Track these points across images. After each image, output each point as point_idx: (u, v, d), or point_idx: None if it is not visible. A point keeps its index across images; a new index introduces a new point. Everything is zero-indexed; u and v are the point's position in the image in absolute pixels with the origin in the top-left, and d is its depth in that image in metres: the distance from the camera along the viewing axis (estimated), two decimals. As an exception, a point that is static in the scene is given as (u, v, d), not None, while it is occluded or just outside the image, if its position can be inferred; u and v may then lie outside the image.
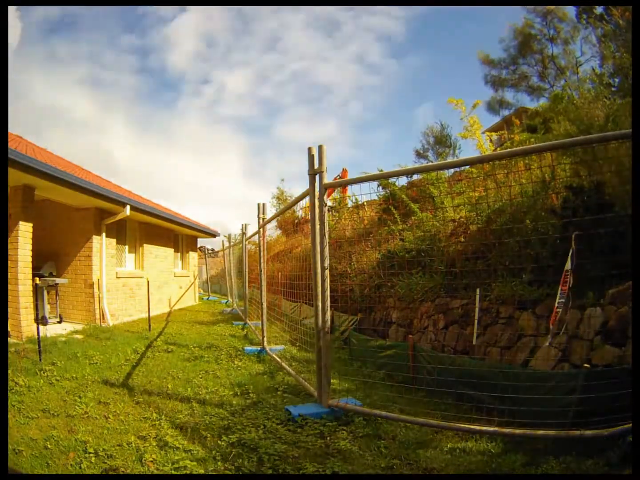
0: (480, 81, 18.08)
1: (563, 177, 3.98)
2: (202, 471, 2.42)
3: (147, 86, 65.34)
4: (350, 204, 11.15)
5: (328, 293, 3.31)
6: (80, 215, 7.59)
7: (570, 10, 14.93)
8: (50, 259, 7.42)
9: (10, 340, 5.27)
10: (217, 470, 2.43)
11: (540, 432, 2.46)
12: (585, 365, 2.90)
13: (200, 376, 4.49)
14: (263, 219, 6.21)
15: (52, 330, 6.36)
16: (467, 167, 6.02)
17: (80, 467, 2.40)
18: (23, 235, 5.77)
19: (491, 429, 2.66)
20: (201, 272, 19.25)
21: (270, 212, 8.06)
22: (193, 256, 14.06)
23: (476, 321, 4.22)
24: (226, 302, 13.68)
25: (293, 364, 4.63)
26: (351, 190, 12.61)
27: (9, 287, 5.27)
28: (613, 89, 12.34)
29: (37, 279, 5.46)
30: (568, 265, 2.80)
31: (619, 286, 3.14)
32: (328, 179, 3.43)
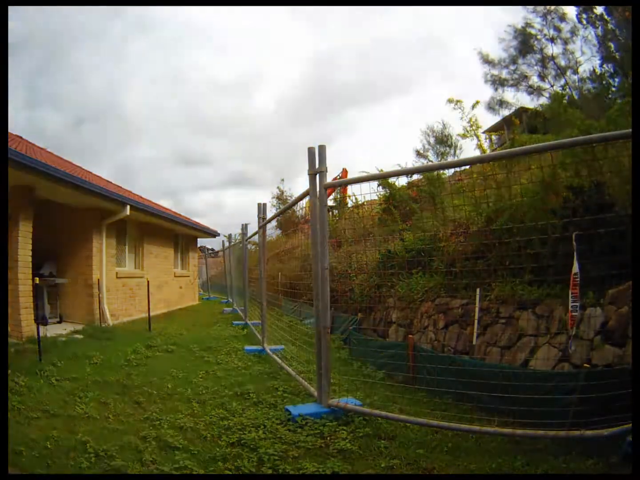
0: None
1: (563, 177, 3.98)
2: (202, 471, 2.43)
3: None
4: (350, 204, 11.16)
5: (328, 293, 3.30)
6: (80, 215, 7.59)
7: (570, 10, 14.93)
8: (50, 259, 7.41)
9: (10, 340, 5.26)
10: (217, 470, 2.43)
11: (540, 432, 2.46)
12: (585, 365, 2.90)
13: (200, 376, 4.49)
14: (263, 218, 6.21)
15: (52, 330, 6.35)
16: (467, 167, 6.01)
17: (80, 467, 2.40)
18: (23, 235, 5.77)
19: (491, 429, 2.66)
20: (201, 272, 19.26)
21: (271, 212, 8.04)
22: (193, 256, 14.06)
23: (476, 321, 4.22)
24: (226, 302, 13.68)
25: (293, 364, 4.62)
26: (351, 190, 12.60)
27: (9, 287, 5.26)
28: (613, 88, 12.35)
29: (37, 279, 5.46)
30: (576, 268, 2.80)
31: (619, 286, 3.14)
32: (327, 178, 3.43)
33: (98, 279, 7.46)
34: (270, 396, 3.75)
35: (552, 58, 15.69)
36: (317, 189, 3.37)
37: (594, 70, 14.07)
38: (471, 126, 6.88)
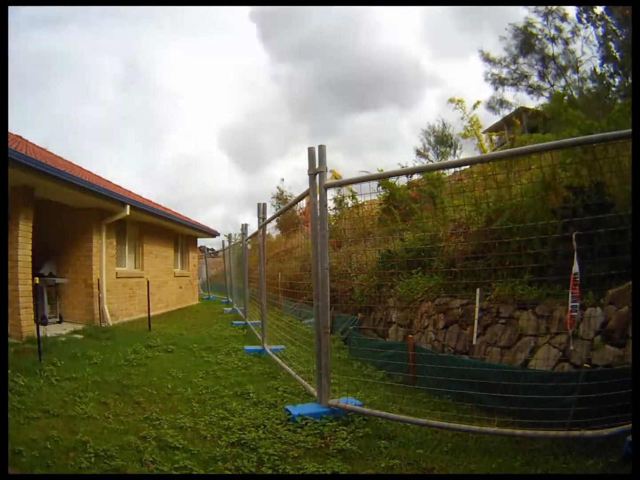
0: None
1: (563, 177, 3.98)
2: (202, 471, 2.43)
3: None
4: (350, 203, 11.16)
5: (328, 293, 3.30)
6: (80, 215, 7.59)
7: (571, 10, 14.92)
8: (50, 259, 7.41)
9: (10, 340, 5.26)
10: (217, 470, 2.43)
11: (540, 432, 2.46)
12: (585, 365, 2.90)
13: (200, 376, 4.49)
14: (263, 218, 6.21)
15: (52, 330, 6.35)
16: (468, 167, 6.02)
17: (80, 467, 2.40)
18: (23, 235, 5.77)
19: (491, 429, 2.66)
20: (201, 272, 19.26)
21: (270, 212, 8.06)
22: (193, 256, 14.06)
23: (476, 321, 4.22)
24: (226, 302, 13.68)
25: (293, 363, 4.62)
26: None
27: (9, 287, 5.26)
28: (613, 88, 12.35)
29: (37, 278, 5.46)
30: (576, 268, 2.80)
31: (619, 286, 3.14)
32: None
33: (98, 279, 7.46)
34: (270, 396, 3.75)
35: (553, 57, 15.68)
36: (317, 189, 3.37)
37: (594, 70, 14.07)
38: (472, 126, 6.88)
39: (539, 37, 15.91)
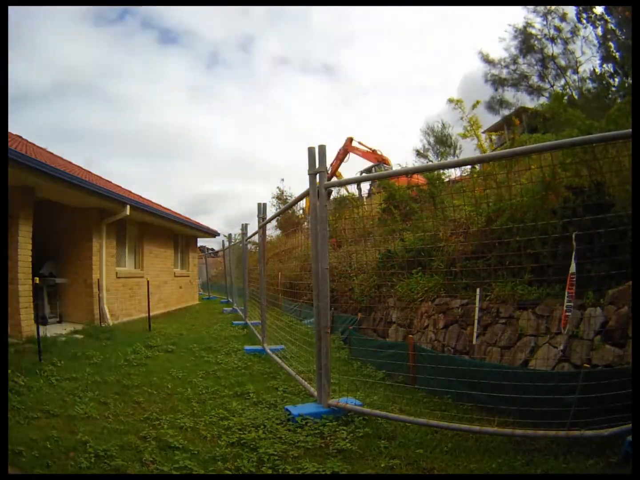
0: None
1: (563, 177, 3.98)
2: (202, 471, 2.42)
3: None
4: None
5: (328, 293, 3.30)
6: (80, 215, 7.59)
7: (571, 11, 14.92)
8: (50, 259, 7.41)
9: (10, 340, 5.26)
10: (217, 470, 2.43)
11: (540, 432, 2.46)
12: (585, 365, 2.90)
13: (200, 376, 4.49)
14: (263, 218, 6.21)
15: (52, 330, 6.35)
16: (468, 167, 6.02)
17: (80, 467, 2.40)
18: (23, 235, 5.77)
19: (491, 429, 2.66)
20: (201, 272, 19.26)
21: (270, 212, 8.04)
22: (193, 256, 14.06)
23: (476, 321, 4.22)
24: (226, 302, 13.68)
25: (293, 363, 4.62)
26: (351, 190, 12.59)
27: (9, 286, 5.26)
28: (613, 88, 12.35)
29: (37, 278, 5.45)
30: (573, 268, 2.81)
31: (619, 286, 3.14)
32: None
33: (98, 279, 7.46)
34: (270, 396, 3.75)
35: (553, 58, 15.68)
36: (317, 189, 3.37)
37: (594, 70, 14.07)
38: (471, 126, 6.88)
39: (539, 37, 15.91)
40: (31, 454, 2.51)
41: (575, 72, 15.24)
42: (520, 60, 16.47)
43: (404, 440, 2.80)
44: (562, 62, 15.74)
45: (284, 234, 14.07)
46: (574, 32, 15.11)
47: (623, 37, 12.53)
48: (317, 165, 3.38)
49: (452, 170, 6.44)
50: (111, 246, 8.06)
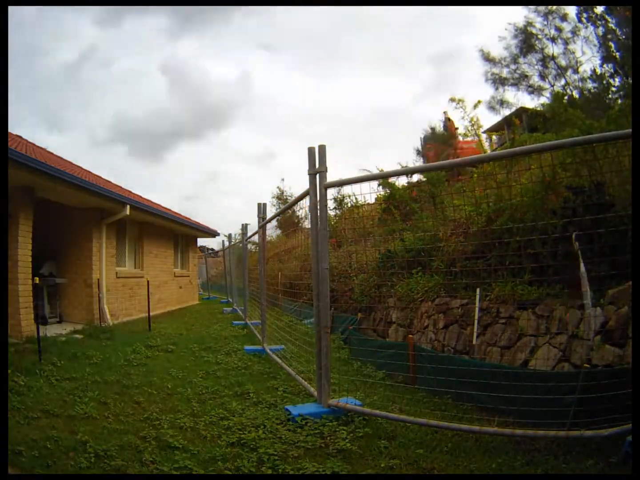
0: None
1: (564, 177, 3.98)
2: (202, 471, 2.42)
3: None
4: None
5: (328, 293, 3.30)
6: (80, 215, 7.59)
7: (571, 11, 14.91)
8: (50, 259, 7.41)
9: (10, 340, 5.26)
10: (217, 470, 2.43)
11: (541, 432, 2.46)
12: (585, 365, 2.90)
13: (200, 376, 4.49)
14: (263, 218, 6.21)
15: (52, 330, 6.35)
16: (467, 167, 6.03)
17: (80, 467, 2.40)
18: (23, 235, 5.77)
19: (491, 429, 2.66)
20: (201, 272, 19.26)
21: (270, 211, 8.04)
22: (193, 256, 14.06)
23: (476, 321, 4.22)
24: (226, 302, 13.69)
25: (293, 363, 4.62)
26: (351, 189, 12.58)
27: (9, 286, 5.25)
28: (613, 88, 12.33)
29: (37, 278, 5.45)
30: (582, 268, 2.82)
31: (619, 286, 3.14)
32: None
33: (98, 279, 7.46)
34: (270, 396, 3.75)
35: (553, 58, 15.67)
36: (317, 189, 3.37)
37: (594, 70, 14.05)
38: (472, 126, 6.88)
39: (539, 37, 15.89)
40: (31, 454, 2.51)
41: (576, 72, 15.22)
42: (521, 59, 16.45)
43: (404, 440, 2.80)
44: (563, 62, 15.72)
45: (284, 234, 14.08)
46: (574, 32, 15.09)
47: (623, 37, 12.53)
48: (317, 165, 3.38)
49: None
50: (111, 246, 8.06)
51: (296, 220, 14.54)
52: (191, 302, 13.26)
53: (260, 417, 3.21)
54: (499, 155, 3.74)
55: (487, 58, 17.02)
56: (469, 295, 4.52)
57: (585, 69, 14.86)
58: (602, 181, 3.62)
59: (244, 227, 8.88)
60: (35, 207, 6.16)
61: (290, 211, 15.59)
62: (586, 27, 14.45)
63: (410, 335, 4.66)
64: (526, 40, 15.88)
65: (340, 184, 4.58)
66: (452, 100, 7.85)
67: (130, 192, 9.75)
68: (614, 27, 13.26)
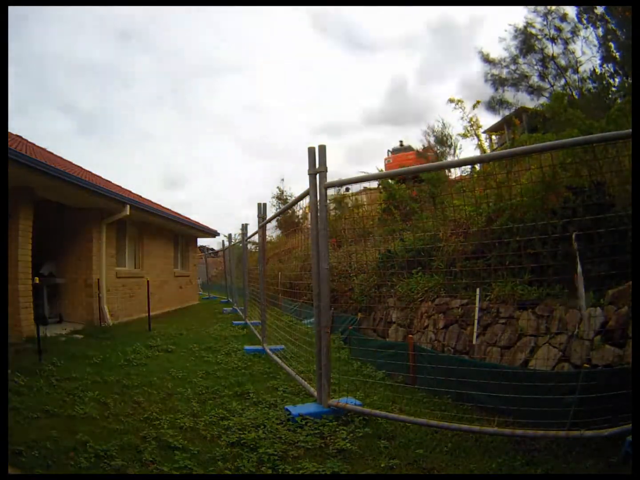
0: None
1: (564, 177, 3.98)
2: (202, 471, 2.42)
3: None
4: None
5: (328, 293, 3.30)
6: (80, 215, 7.58)
7: (571, 11, 14.91)
8: (50, 259, 7.41)
9: (10, 340, 5.26)
10: (217, 470, 2.43)
11: (540, 432, 2.46)
12: (585, 365, 2.90)
13: (200, 376, 4.48)
14: (263, 218, 6.21)
15: (52, 330, 6.35)
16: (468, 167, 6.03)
17: (80, 467, 2.40)
18: (23, 235, 5.77)
19: (491, 429, 2.65)
20: (201, 272, 19.26)
21: (270, 212, 8.04)
22: (193, 256, 14.06)
23: (476, 321, 4.22)
24: (226, 302, 13.69)
25: (293, 363, 4.62)
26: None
27: (9, 286, 5.25)
28: (613, 88, 12.33)
29: (37, 278, 5.46)
30: (579, 269, 2.82)
31: (619, 286, 3.14)
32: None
33: (98, 279, 7.45)
34: (270, 396, 3.75)
35: (553, 58, 15.67)
36: (317, 189, 3.37)
37: (594, 70, 14.05)
38: (471, 126, 6.88)
39: (539, 37, 15.89)
40: (31, 454, 2.51)
41: (576, 72, 15.22)
42: (521, 60, 16.44)
43: (404, 440, 2.80)
44: (563, 62, 15.71)
45: (284, 234, 14.09)
46: (574, 32, 15.10)
47: (623, 37, 12.53)
48: (317, 165, 3.38)
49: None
50: (111, 246, 8.06)
51: (296, 221, 14.55)
52: (191, 302, 13.26)
53: (260, 417, 3.21)
54: (499, 155, 3.74)
55: (487, 59, 17.02)
56: (469, 295, 4.52)
57: (585, 69, 14.85)
58: (602, 181, 3.63)
59: (244, 227, 8.88)
60: (35, 207, 6.16)
61: (290, 211, 15.62)
62: (586, 28, 14.46)
63: (410, 335, 4.66)
64: (526, 41, 15.88)
65: (340, 184, 4.58)
66: (451, 100, 7.85)
67: (130, 192, 9.74)
68: (614, 28, 13.26)
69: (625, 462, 2.17)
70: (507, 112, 16.79)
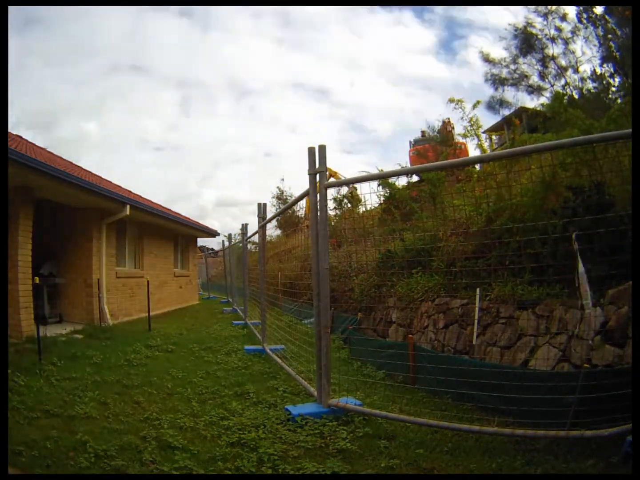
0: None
1: (564, 177, 3.98)
2: (202, 471, 2.42)
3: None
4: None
5: (328, 293, 3.30)
6: (80, 215, 7.59)
7: (571, 11, 14.91)
8: (50, 259, 7.41)
9: (10, 339, 5.26)
10: (217, 470, 2.43)
11: (541, 432, 2.46)
12: (585, 365, 2.90)
13: (200, 376, 4.49)
14: (263, 218, 6.21)
15: (52, 330, 6.34)
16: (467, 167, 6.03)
17: (80, 467, 2.40)
18: (23, 235, 5.77)
19: (491, 429, 2.66)
20: (201, 272, 19.26)
21: (270, 212, 8.05)
22: (193, 256, 14.06)
23: (476, 321, 4.22)
24: (226, 302, 13.69)
25: (293, 363, 4.62)
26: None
27: (9, 286, 5.26)
28: (613, 88, 12.33)
29: (37, 278, 5.45)
30: (581, 268, 2.82)
31: (619, 286, 3.14)
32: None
33: (98, 279, 7.45)
34: (270, 396, 3.75)
35: (553, 58, 15.66)
36: (317, 189, 3.37)
37: (594, 70, 14.05)
38: (472, 126, 6.88)
39: (539, 37, 15.89)
40: (31, 454, 2.51)
41: (576, 72, 15.23)
42: (521, 59, 16.44)
43: (404, 440, 2.80)
44: (563, 62, 15.71)
45: (284, 234, 14.09)
46: (574, 32, 15.09)
47: (623, 37, 12.53)
48: (317, 165, 3.38)
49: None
50: (111, 246, 8.05)
51: (296, 220, 14.54)
52: (191, 302, 13.26)
53: (260, 417, 3.21)
54: (499, 155, 3.74)
55: (487, 59, 17.02)
56: (469, 295, 4.52)
57: (585, 69, 14.85)
58: (602, 181, 3.62)
59: (244, 227, 8.88)
60: (35, 207, 6.16)
61: (290, 211, 15.61)
62: (586, 27, 14.45)
63: (410, 335, 4.66)
64: (526, 41, 15.87)
65: (340, 184, 4.58)
66: (451, 101, 7.84)
67: (130, 192, 9.75)
68: (614, 27, 13.26)
69: (625, 462, 2.17)
70: (507, 112, 16.79)
